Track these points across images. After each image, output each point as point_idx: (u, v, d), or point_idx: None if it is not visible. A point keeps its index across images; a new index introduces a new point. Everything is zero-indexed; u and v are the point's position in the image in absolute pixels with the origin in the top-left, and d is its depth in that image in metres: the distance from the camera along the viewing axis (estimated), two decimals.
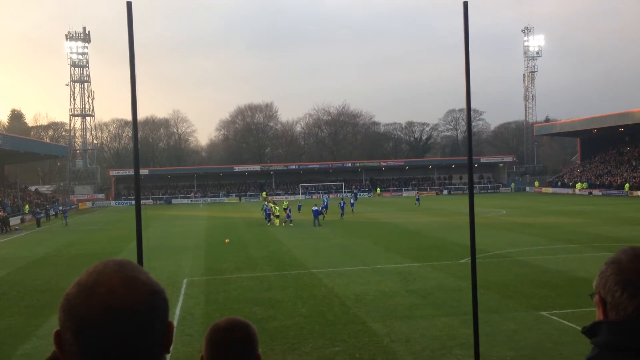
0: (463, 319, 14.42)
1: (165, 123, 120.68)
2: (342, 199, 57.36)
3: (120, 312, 1.19)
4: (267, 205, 45.97)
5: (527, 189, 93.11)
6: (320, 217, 43.64)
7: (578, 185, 79.96)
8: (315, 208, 43.82)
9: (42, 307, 17.57)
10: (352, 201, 57.54)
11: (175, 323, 15.24)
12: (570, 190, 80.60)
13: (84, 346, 1.20)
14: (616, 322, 1.48)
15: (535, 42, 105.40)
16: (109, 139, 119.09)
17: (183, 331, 14.48)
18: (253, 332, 2.09)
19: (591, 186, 78.20)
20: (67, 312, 1.21)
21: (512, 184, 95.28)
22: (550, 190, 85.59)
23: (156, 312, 1.26)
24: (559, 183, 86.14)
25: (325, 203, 50.84)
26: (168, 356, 12.41)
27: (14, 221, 52.35)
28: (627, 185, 71.39)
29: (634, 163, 78.25)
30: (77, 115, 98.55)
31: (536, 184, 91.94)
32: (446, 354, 12.22)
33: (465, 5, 8.60)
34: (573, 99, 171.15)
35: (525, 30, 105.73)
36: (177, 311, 16.61)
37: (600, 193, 74.23)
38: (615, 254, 1.58)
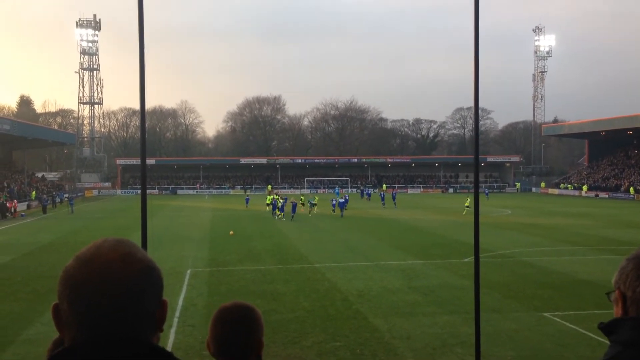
0: (465, 317, 14.42)
1: (173, 113, 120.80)
2: (383, 190, 69.79)
3: (116, 283, 1.24)
4: (274, 200, 46.12)
5: (534, 189, 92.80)
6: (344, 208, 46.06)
7: (584, 188, 79.73)
8: (341, 200, 46.63)
9: (47, 293, 17.66)
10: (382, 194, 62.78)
11: (177, 313, 15.31)
12: (576, 192, 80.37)
13: (79, 315, 1.24)
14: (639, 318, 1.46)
15: (546, 42, 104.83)
16: (116, 128, 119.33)
17: (185, 322, 14.54)
18: (255, 316, 2.12)
19: (592, 189, 78.20)
20: (64, 282, 1.27)
21: (518, 184, 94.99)
22: (556, 191, 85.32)
23: (151, 287, 1.30)
24: (565, 185, 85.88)
25: (346, 198, 50.59)
26: (169, 344, 12.34)
27: (21, 207, 52.61)
28: (632, 188, 71.08)
29: None
30: (86, 103, 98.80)
31: (542, 184, 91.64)
32: (447, 352, 12.23)
33: (476, 2, 8.56)
34: (582, 100, 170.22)
35: (537, 30, 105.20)
36: (180, 301, 16.67)
37: (607, 196, 73.92)
38: (635, 250, 1.58)
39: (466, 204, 46.97)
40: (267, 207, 48.76)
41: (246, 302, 2.19)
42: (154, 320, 1.32)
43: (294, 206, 43.58)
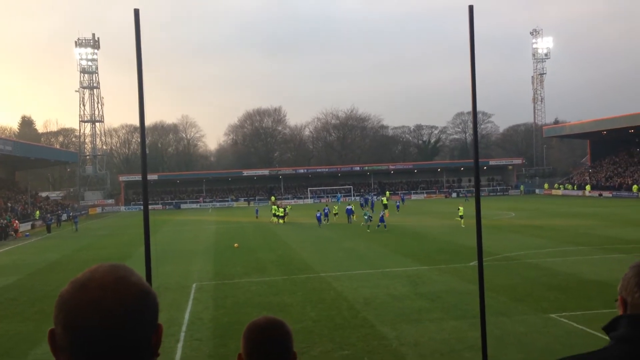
0: (472, 322, 14.38)
1: (174, 128, 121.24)
2: (387, 197, 69.21)
3: (110, 307, 1.24)
4: (326, 208, 49.11)
5: (537, 191, 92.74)
6: (353, 216, 47.88)
7: (587, 187, 79.69)
8: (349, 207, 49.17)
9: (52, 313, 17.64)
10: (397, 204, 63.05)
11: (184, 327, 15.30)
12: (580, 192, 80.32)
13: (73, 339, 1.23)
14: (636, 315, 1.55)
15: (544, 44, 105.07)
16: (118, 145, 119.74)
17: (192, 336, 14.53)
18: (288, 331, 2.15)
19: (595, 188, 78.31)
20: (59, 306, 1.28)
21: (522, 187, 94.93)
22: (559, 192, 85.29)
23: (146, 311, 1.30)
24: (558, 185, 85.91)
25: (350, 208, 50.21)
26: (177, 359, 12.29)
27: (25, 227, 52.68)
28: (635, 186, 70.98)
29: None
30: (87, 121, 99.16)
31: (545, 186, 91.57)
32: (455, 357, 12.20)
33: (471, 8, 8.60)
34: (582, 100, 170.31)
35: (534, 33, 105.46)
36: (186, 316, 16.66)
37: (611, 195, 73.81)
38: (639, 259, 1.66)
39: (460, 213, 41.23)
40: (278, 220, 49.18)
41: (276, 318, 2.22)
42: (149, 345, 1.31)
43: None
